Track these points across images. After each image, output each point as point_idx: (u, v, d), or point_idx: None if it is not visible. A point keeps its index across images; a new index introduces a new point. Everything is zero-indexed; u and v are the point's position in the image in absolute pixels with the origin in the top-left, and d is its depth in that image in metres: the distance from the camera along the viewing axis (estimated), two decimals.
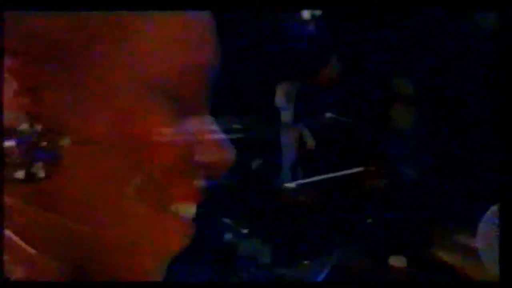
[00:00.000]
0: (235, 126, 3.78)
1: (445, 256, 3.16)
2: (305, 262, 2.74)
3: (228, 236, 2.73)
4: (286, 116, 4.03)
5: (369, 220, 3.12)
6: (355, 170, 2.98)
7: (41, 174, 0.50)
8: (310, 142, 3.28)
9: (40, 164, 0.50)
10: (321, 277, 2.63)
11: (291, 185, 2.71)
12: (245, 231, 2.77)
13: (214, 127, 0.66)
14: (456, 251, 3.24)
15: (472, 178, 4.11)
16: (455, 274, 2.94)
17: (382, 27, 3.93)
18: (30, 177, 0.49)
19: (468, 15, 3.67)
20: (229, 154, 0.63)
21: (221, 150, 0.62)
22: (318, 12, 4.45)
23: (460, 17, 3.63)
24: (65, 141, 0.51)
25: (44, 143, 0.50)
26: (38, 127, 0.50)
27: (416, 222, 3.20)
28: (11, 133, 0.49)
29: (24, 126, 0.50)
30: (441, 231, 3.39)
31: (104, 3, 0.53)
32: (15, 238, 0.51)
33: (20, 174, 0.49)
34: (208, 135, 0.62)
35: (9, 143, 0.49)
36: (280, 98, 4.21)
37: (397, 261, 3.08)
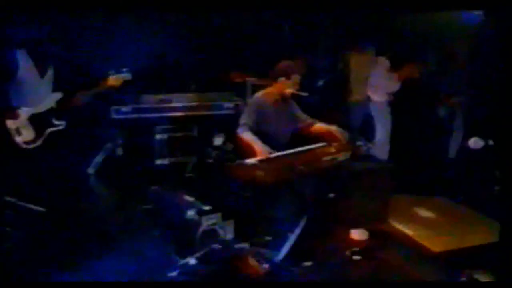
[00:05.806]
0: (198, 103, 3.74)
1: (403, 227, 3.23)
2: (266, 237, 2.75)
3: (190, 212, 2.71)
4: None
5: (331, 195, 3.14)
6: (318, 145, 2.97)
7: None
8: None
9: None
10: (282, 252, 2.65)
11: (253, 161, 2.69)
12: (207, 207, 2.75)
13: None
14: (414, 223, 3.32)
15: (428, 153, 4.19)
16: (413, 244, 3.01)
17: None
18: None
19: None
20: None
21: None
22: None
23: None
24: None
25: None
26: None
27: (376, 195, 3.26)
28: None
29: None
30: (398, 203, 3.47)
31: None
32: None
33: None
34: None
35: None
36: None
37: (358, 234, 3.14)
